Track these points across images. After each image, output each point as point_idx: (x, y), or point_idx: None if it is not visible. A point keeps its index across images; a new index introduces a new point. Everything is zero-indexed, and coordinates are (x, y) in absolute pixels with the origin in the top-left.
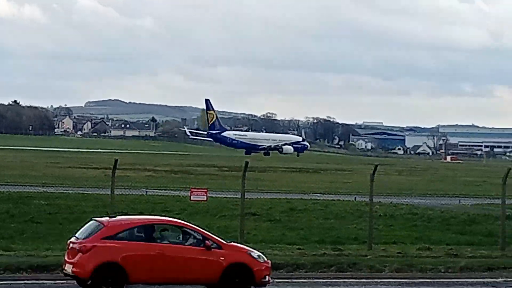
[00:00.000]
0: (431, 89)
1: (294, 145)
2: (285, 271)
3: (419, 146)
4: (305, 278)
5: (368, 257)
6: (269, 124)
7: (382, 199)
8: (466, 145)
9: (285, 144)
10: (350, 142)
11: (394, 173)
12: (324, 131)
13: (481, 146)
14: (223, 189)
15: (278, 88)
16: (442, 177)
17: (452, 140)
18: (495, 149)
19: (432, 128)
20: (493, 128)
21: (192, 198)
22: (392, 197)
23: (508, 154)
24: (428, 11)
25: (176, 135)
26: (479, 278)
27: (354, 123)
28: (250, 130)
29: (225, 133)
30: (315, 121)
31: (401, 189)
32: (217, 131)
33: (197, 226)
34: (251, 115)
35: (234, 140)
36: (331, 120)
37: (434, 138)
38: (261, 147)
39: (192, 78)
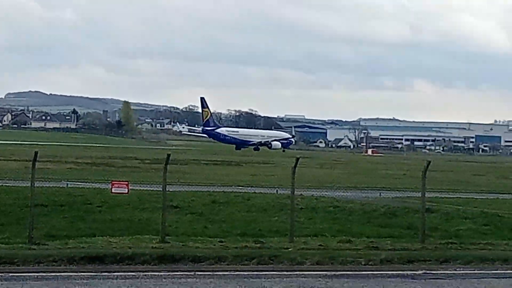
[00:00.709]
0: (352, 82)
1: (282, 141)
2: (207, 264)
3: (340, 139)
4: (226, 271)
5: (290, 249)
6: (191, 116)
7: (304, 192)
8: (387, 139)
9: (274, 140)
10: None
11: (315, 166)
12: (246, 124)
13: (402, 139)
14: (144, 181)
15: (200, 80)
16: (363, 170)
17: (373, 133)
18: (416, 143)
19: (354, 121)
20: (413, 121)
21: (113, 191)
22: (314, 190)
23: (428, 147)
24: (349, 5)
25: (98, 127)
26: (399, 270)
27: (276, 116)
28: (172, 122)
29: (218, 130)
30: (237, 113)
31: (323, 182)
32: (211, 128)
33: None
34: (173, 107)
35: (227, 136)
36: (253, 113)
37: (355, 131)
38: (251, 142)
39: (113, 70)
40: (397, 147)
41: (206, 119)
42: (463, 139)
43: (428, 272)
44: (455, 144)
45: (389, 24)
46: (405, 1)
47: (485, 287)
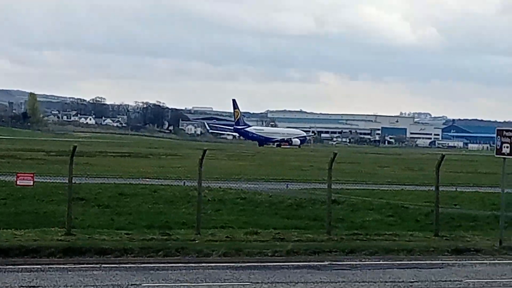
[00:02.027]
0: (259, 74)
1: (300, 138)
2: (113, 256)
3: None
4: (133, 263)
5: (196, 241)
6: (98, 108)
7: (211, 183)
8: None
9: (295, 137)
10: (180, 127)
11: (223, 158)
12: (154, 116)
13: (309, 131)
14: (50, 174)
15: (106, 72)
16: (271, 162)
17: (281, 125)
18: (323, 135)
19: (261, 113)
20: (320, 113)
21: (18, 183)
22: (221, 182)
23: (335, 139)
24: None
25: (3, 119)
26: (305, 261)
27: (184, 108)
28: (79, 114)
29: (248, 128)
30: (145, 105)
31: (230, 174)
32: (242, 127)
33: None
34: (80, 99)
35: (254, 134)
36: (161, 105)
37: (263, 124)
38: (274, 140)
39: (18, 62)
40: None
41: (237, 119)
42: (369, 131)
43: (334, 263)
44: (362, 136)
45: (294, 16)
46: None
47: (390, 277)
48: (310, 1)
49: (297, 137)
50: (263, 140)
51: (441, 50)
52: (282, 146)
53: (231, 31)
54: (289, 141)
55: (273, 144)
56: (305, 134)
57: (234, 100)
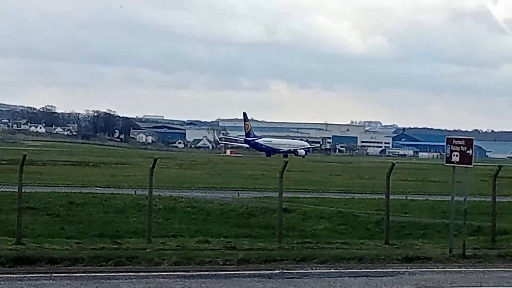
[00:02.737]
0: (210, 83)
1: (305, 149)
2: (64, 265)
3: (199, 140)
4: (83, 272)
5: (147, 250)
6: (48, 117)
7: (162, 192)
8: None
9: (301, 148)
10: (131, 136)
11: (174, 167)
12: (105, 125)
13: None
14: (0, 182)
15: (56, 80)
16: (222, 170)
17: (232, 134)
18: None
19: (212, 122)
20: (271, 122)
21: None
22: (172, 190)
23: None
24: (203, 5)
25: None
26: (256, 270)
27: (134, 116)
28: (29, 123)
29: (257, 140)
30: (95, 114)
31: (181, 183)
32: (252, 138)
33: None
34: (30, 107)
35: (263, 145)
36: (111, 113)
37: (214, 132)
38: (281, 150)
39: None
40: None
41: (248, 130)
42: (320, 140)
43: (285, 271)
44: (313, 144)
45: (244, 24)
46: (258, 1)
47: (340, 285)
48: (260, 10)
49: (302, 148)
50: (270, 151)
51: (390, 59)
52: (231, 154)
53: (182, 39)
54: (295, 152)
55: (281, 154)
56: (309, 145)
57: (244, 114)
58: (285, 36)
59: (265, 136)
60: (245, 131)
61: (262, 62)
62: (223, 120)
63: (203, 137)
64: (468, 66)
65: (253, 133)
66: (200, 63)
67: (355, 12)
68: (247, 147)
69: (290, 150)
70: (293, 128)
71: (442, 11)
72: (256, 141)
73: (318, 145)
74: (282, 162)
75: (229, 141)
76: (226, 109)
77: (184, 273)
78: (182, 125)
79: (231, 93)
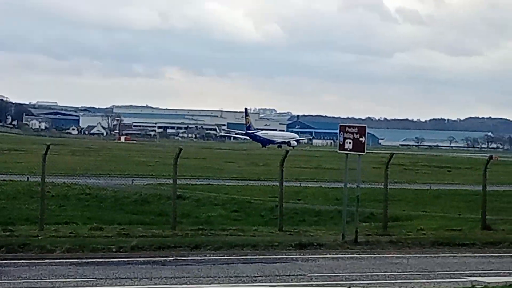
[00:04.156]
0: (104, 69)
1: (297, 140)
2: None
3: (93, 127)
4: None
5: (40, 237)
6: None
7: (55, 179)
8: (140, 126)
9: (292, 139)
10: (24, 122)
11: (68, 154)
12: None
13: (155, 126)
14: None
15: None
16: (116, 157)
17: (127, 120)
18: (169, 130)
19: (107, 108)
20: (166, 109)
21: None
22: (66, 177)
23: (181, 134)
24: None
25: None
26: (150, 257)
27: (28, 102)
28: None
29: (256, 133)
30: None
31: (75, 169)
32: (252, 131)
33: None
34: None
35: (261, 137)
36: (4, 99)
37: (108, 119)
38: (276, 142)
39: None
40: (150, 134)
41: (248, 124)
42: (215, 127)
43: (179, 258)
44: (208, 131)
45: (139, 11)
46: None
47: (234, 272)
48: None
49: (295, 140)
50: (266, 142)
51: (285, 47)
52: (126, 141)
53: (76, 24)
54: (288, 143)
55: (275, 145)
56: (299, 137)
57: (246, 109)
58: (180, 23)
59: (264, 130)
60: (246, 124)
61: (157, 49)
62: (118, 106)
63: (97, 123)
64: (362, 54)
65: (253, 127)
66: (95, 50)
67: (249, 0)
68: (245, 139)
69: (284, 141)
70: (188, 115)
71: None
72: (255, 133)
73: (310, 136)
74: (173, 149)
75: (231, 134)
76: (121, 96)
77: (77, 260)
78: (76, 112)
79: (126, 80)
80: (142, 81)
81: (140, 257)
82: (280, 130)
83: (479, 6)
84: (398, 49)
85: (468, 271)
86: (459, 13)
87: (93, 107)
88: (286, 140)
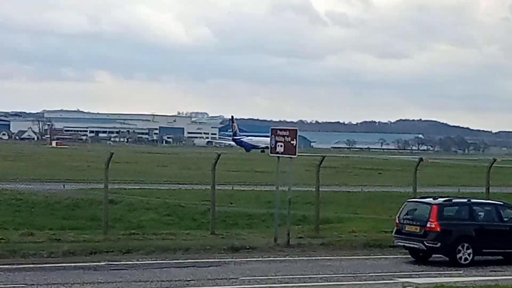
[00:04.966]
0: (33, 73)
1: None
2: None
3: (24, 131)
4: None
5: None
6: None
7: None
8: (71, 130)
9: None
10: None
11: None
12: None
13: (87, 131)
14: None
15: None
16: (47, 162)
17: (58, 125)
18: (100, 134)
19: (38, 113)
20: (98, 113)
21: None
22: None
23: (112, 139)
24: None
25: None
26: (81, 262)
27: None
28: None
29: (242, 139)
30: None
31: (5, 175)
32: (238, 137)
33: None
34: None
35: (246, 143)
36: None
37: (39, 123)
38: (260, 147)
39: None
40: (82, 139)
41: (234, 131)
42: (147, 131)
43: (111, 263)
44: (140, 135)
45: (67, 15)
46: None
47: (167, 276)
48: (82, 0)
49: None
50: (250, 147)
51: (215, 50)
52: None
53: (2, 29)
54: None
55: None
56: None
57: (232, 117)
58: (109, 26)
59: (249, 136)
60: (232, 131)
61: (87, 53)
62: (49, 111)
63: (28, 128)
64: (292, 57)
65: (239, 133)
66: (24, 54)
67: (178, 3)
68: (229, 144)
69: (267, 146)
70: (120, 119)
71: (264, 2)
72: (241, 139)
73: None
74: (105, 154)
75: (223, 140)
76: (51, 101)
77: (7, 266)
78: (7, 117)
79: (56, 84)
80: (73, 85)
81: (72, 262)
82: (255, 136)
83: (407, 9)
84: (328, 52)
85: (399, 272)
86: (387, 15)
87: (24, 112)
88: (269, 146)
